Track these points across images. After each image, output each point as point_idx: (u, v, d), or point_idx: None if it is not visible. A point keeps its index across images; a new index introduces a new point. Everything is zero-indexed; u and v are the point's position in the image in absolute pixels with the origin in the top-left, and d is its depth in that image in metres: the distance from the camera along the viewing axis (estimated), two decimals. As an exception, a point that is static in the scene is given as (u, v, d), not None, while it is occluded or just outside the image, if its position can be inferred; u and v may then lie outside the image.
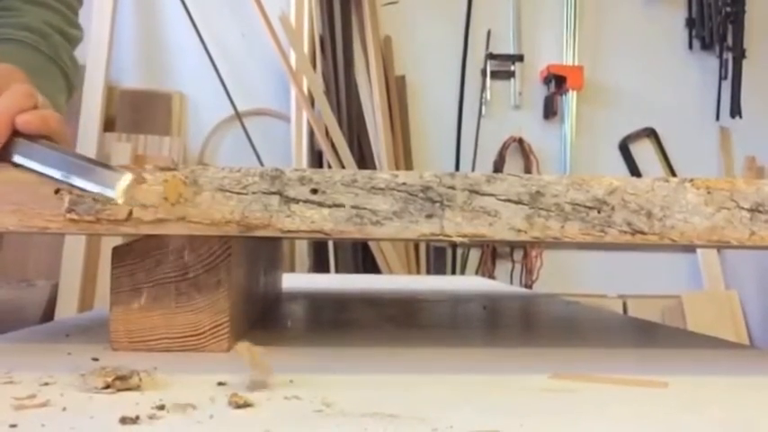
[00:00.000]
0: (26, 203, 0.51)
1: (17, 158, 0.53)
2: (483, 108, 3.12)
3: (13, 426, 0.34)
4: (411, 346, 0.64)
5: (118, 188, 0.50)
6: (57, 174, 0.51)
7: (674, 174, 3.15)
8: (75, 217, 0.51)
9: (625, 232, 0.53)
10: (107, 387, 0.41)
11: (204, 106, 2.99)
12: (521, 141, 3.13)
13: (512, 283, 3.04)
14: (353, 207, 0.52)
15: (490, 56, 3.13)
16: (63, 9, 0.89)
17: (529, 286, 3.03)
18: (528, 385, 0.46)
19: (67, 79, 0.86)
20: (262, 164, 2.71)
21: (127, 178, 0.51)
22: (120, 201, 0.50)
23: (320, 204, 0.52)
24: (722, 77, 3.23)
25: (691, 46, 3.25)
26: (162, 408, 0.37)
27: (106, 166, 0.52)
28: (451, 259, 3.05)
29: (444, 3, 3.15)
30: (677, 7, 3.26)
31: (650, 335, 0.82)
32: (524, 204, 0.53)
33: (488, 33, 3.15)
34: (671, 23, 3.25)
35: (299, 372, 0.46)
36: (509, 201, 0.53)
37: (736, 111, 3.20)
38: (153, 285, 0.54)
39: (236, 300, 0.58)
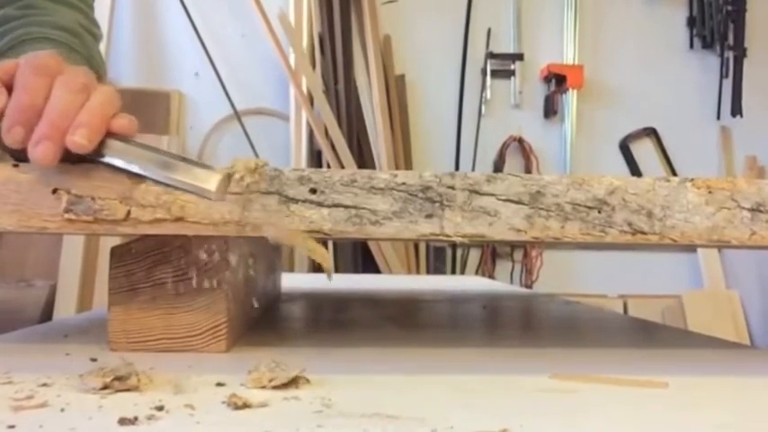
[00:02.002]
0: (24, 203, 0.51)
1: (109, 159, 0.52)
2: (483, 107, 3.12)
3: (12, 426, 0.34)
4: (411, 346, 0.64)
5: (214, 184, 0.51)
6: (155, 173, 0.51)
7: (674, 173, 3.15)
8: (73, 217, 0.51)
9: (625, 232, 0.53)
10: (105, 388, 0.41)
11: (203, 106, 2.99)
12: (521, 141, 3.13)
13: (512, 283, 3.03)
14: (353, 207, 0.52)
15: (490, 55, 3.12)
16: (83, 7, 0.88)
17: (529, 286, 3.03)
18: (528, 385, 0.46)
19: (99, 78, 0.86)
20: (261, 163, 2.69)
21: (219, 175, 0.51)
22: (214, 197, 0.51)
23: (319, 204, 0.52)
24: (723, 76, 3.22)
25: (691, 45, 3.25)
26: (160, 408, 0.37)
27: (199, 163, 0.53)
28: (451, 259, 3.04)
29: (444, 1, 3.15)
30: (678, 6, 3.25)
31: (650, 335, 0.82)
32: (524, 204, 0.53)
33: (488, 32, 3.15)
34: (672, 22, 3.25)
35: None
36: (509, 201, 0.53)
37: (736, 110, 3.20)
38: (151, 286, 0.54)
39: (234, 300, 0.58)
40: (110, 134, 0.53)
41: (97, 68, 0.84)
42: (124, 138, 0.54)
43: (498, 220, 0.53)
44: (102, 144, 0.52)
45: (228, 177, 0.51)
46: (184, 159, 0.53)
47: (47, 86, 0.53)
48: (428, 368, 0.52)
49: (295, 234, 0.51)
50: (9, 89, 0.53)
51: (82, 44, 0.82)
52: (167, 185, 0.51)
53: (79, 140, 0.51)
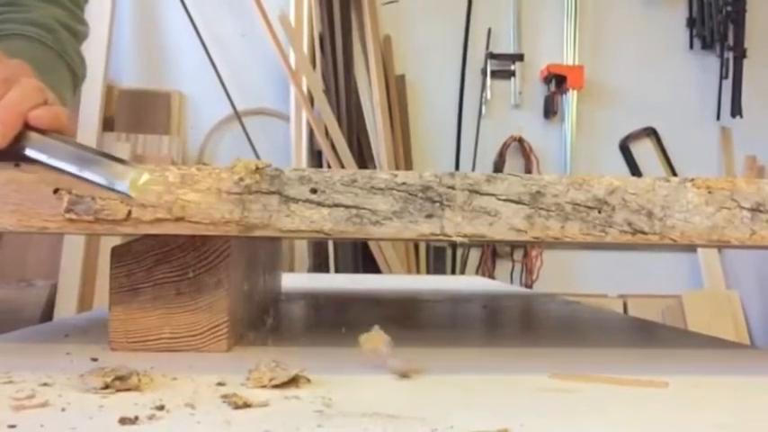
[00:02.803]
0: (25, 203, 0.51)
1: (29, 152, 0.52)
2: (483, 107, 3.12)
3: (12, 426, 0.34)
4: (411, 346, 0.64)
5: (130, 181, 0.50)
6: (69, 167, 0.51)
7: (674, 173, 3.14)
8: (73, 217, 0.51)
9: (625, 232, 0.53)
10: (106, 387, 0.41)
11: (203, 106, 2.99)
12: (521, 141, 3.13)
13: (512, 282, 3.03)
14: (353, 207, 0.52)
15: (490, 55, 3.12)
16: (69, 5, 0.89)
17: (529, 286, 3.03)
18: (528, 385, 0.46)
19: (74, 74, 0.86)
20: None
21: (140, 172, 0.51)
22: (132, 194, 0.50)
23: (320, 204, 0.52)
24: (723, 77, 3.22)
25: (691, 45, 3.25)
26: (161, 408, 0.37)
27: (119, 160, 0.53)
28: (451, 259, 3.04)
29: (444, 2, 3.15)
30: (678, 6, 3.25)
31: (650, 335, 0.82)
32: (524, 204, 0.53)
33: (489, 32, 3.15)
34: (671, 23, 3.25)
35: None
36: (509, 201, 0.53)
37: (736, 110, 3.20)
38: (152, 285, 0.54)
39: (235, 300, 0.58)
40: (30, 128, 0.53)
41: (71, 63, 0.85)
42: (44, 132, 0.54)
43: (498, 220, 0.53)
44: (21, 138, 0.53)
45: (141, 174, 0.51)
46: (104, 154, 0.53)
47: None
48: (428, 368, 0.52)
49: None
50: None
51: (55, 40, 0.83)
52: (82, 180, 0.51)
53: None
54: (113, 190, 0.51)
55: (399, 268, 2.82)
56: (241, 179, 0.51)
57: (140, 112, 2.85)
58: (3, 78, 0.55)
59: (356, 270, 2.81)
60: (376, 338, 0.47)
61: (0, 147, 0.52)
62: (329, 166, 2.77)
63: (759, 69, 3.24)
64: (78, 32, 0.89)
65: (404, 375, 0.47)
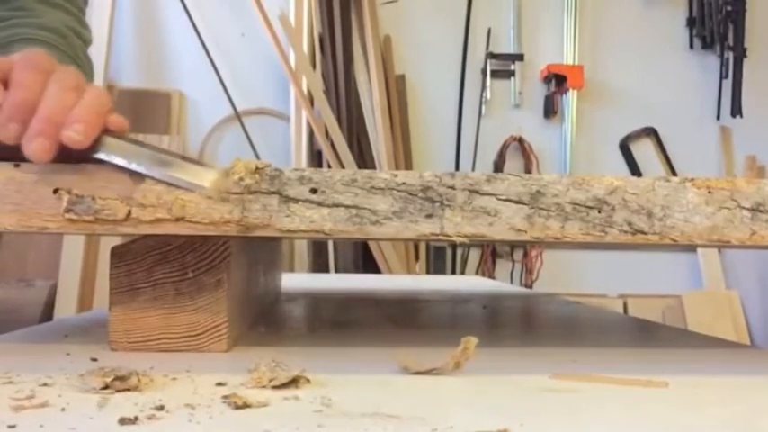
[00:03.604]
0: (25, 203, 0.51)
1: (105, 156, 0.52)
2: (483, 107, 3.12)
3: (12, 426, 0.34)
4: (411, 346, 0.64)
5: (211, 183, 0.51)
6: (150, 170, 0.51)
7: (674, 173, 3.15)
8: (73, 217, 0.51)
9: (625, 232, 0.53)
10: (106, 387, 0.41)
11: (203, 106, 2.99)
12: (521, 141, 3.13)
13: (512, 282, 3.03)
14: (353, 207, 0.52)
15: (490, 55, 3.12)
16: (74, 10, 0.89)
17: (529, 286, 3.03)
18: (528, 385, 0.46)
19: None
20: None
21: (215, 173, 0.51)
22: (211, 194, 0.51)
23: (320, 204, 0.52)
24: (723, 77, 3.23)
25: (691, 45, 3.25)
26: (161, 408, 0.37)
27: (195, 161, 0.53)
28: (451, 259, 3.04)
29: (444, 2, 3.15)
30: (678, 6, 3.26)
31: (650, 335, 0.82)
32: (524, 204, 0.53)
33: (488, 32, 3.15)
34: (671, 22, 3.25)
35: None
36: (509, 200, 0.53)
37: (736, 110, 3.20)
38: (152, 285, 0.54)
39: (235, 300, 0.58)
40: (104, 131, 0.53)
41: (83, 70, 0.85)
42: (119, 135, 0.54)
43: (498, 220, 0.53)
44: (97, 141, 0.53)
45: (225, 175, 0.51)
46: (180, 157, 0.53)
47: (42, 83, 0.53)
48: (418, 365, 0.52)
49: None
50: (4, 86, 0.53)
51: (68, 45, 0.83)
52: (164, 183, 0.51)
53: (74, 136, 0.51)
54: (194, 191, 0.51)
55: (399, 268, 2.82)
56: (241, 179, 0.51)
57: (140, 111, 2.85)
58: (76, 83, 0.55)
59: (356, 270, 2.81)
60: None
61: (83, 146, 0.51)
62: (329, 167, 2.77)
63: (759, 69, 3.24)
64: (85, 38, 0.90)
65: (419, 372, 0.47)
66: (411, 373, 0.48)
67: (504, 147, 3.12)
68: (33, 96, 0.52)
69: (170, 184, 0.51)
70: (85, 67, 0.86)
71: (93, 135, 0.52)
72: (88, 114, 0.52)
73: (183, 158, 0.53)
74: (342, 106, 2.92)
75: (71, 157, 0.52)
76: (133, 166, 0.52)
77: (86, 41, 0.90)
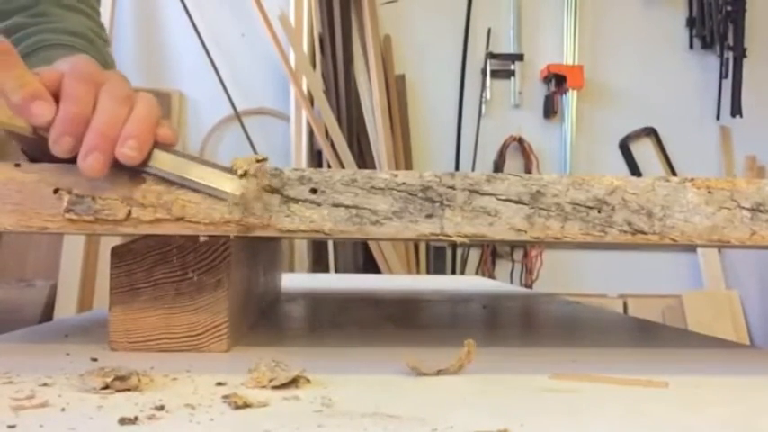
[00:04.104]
0: (25, 203, 0.51)
1: (155, 170, 0.52)
2: (483, 107, 3.12)
3: (12, 426, 0.34)
4: (411, 346, 0.64)
5: (241, 193, 0.51)
6: (203, 187, 0.52)
7: (674, 173, 3.15)
8: (73, 217, 0.51)
9: (625, 232, 0.53)
10: (106, 387, 0.41)
11: (203, 106, 2.99)
12: (521, 141, 3.13)
13: (512, 282, 3.04)
14: (353, 207, 0.52)
15: (490, 55, 3.12)
16: (92, 13, 0.89)
17: (529, 286, 3.03)
18: (528, 385, 0.46)
19: None
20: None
21: (243, 182, 0.52)
22: (241, 202, 0.52)
23: (320, 204, 0.52)
24: (723, 77, 3.23)
25: (691, 45, 3.25)
26: (161, 408, 0.37)
27: (228, 170, 0.53)
28: (451, 259, 3.05)
29: (444, 2, 3.15)
30: (677, 6, 3.26)
31: (650, 334, 0.82)
32: (524, 204, 0.53)
33: (488, 32, 3.15)
34: (671, 22, 3.25)
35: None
36: (509, 200, 0.53)
37: (736, 110, 3.20)
38: (152, 285, 0.54)
39: (235, 300, 0.58)
40: (155, 144, 0.53)
41: None
42: (167, 148, 0.54)
43: (498, 220, 0.53)
44: (149, 154, 0.52)
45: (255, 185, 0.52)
46: (221, 168, 0.53)
47: (93, 95, 0.53)
48: (428, 368, 0.52)
49: None
50: (55, 98, 0.53)
51: (95, 49, 0.83)
52: (213, 197, 0.52)
53: (129, 152, 0.51)
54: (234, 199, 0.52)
55: (399, 268, 2.83)
56: (246, 172, 0.51)
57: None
58: (127, 93, 0.54)
59: (356, 270, 2.81)
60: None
61: (136, 162, 0.51)
62: (329, 166, 2.77)
63: (759, 69, 3.24)
64: (106, 40, 0.90)
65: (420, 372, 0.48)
66: (419, 374, 0.48)
67: (504, 147, 3.12)
68: (86, 109, 0.52)
69: (220, 199, 0.51)
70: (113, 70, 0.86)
71: (147, 150, 0.52)
72: (141, 129, 0.52)
73: (221, 168, 0.53)
74: (342, 106, 2.92)
75: (123, 170, 0.52)
76: (182, 181, 0.52)
77: (108, 43, 0.90)
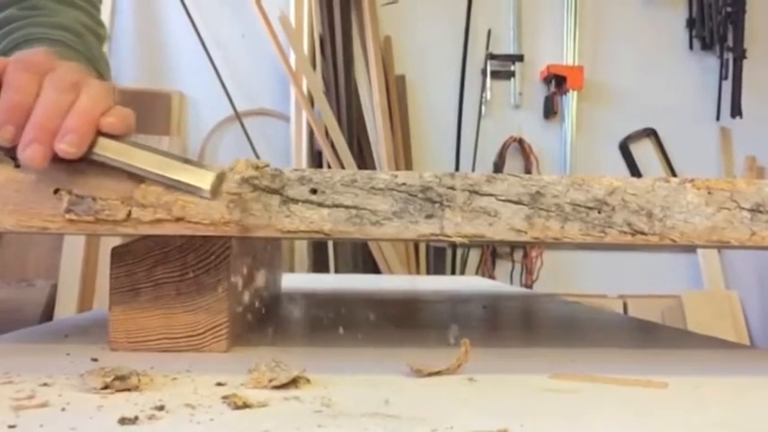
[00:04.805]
0: (25, 204, 0.51)
1: (102, 158, 0.52)
2: (483, 108, 3.12)
3: (12, 426, 0.34)
4: (411, 346, 0.64)
5: (209, 183, 0.51)
6: (149, 172, 0.51)
7: (674, 174, 3.14)
8: (73, 217, 0.51)
9: (625, 233, 0.53)
10: (106, 387, 0.41)
11: (204, 106, 2.99)
12: (521, 141, 3.13)
13: (512, 283, 3.03)
14: (353, 207, 0.52)
15: (490, 56, 3.12)
16: (89, 8, 0.89)
17: (529, 286, 3.03)
18: (528, 385, 0.46)
19: (101, 77, 0.86)
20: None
21: (214, 174, 0.51)
22: (209, 195, 0.51)
23: (320, 205, 0.52)
24: (723, 77, 3.22)
25: (691, 46, 3.25)
26: (161, 408, 0.37)
27: (192, 161, 0.53)
28: (451, 259, 3.04)
29: (444, 2, 3.15)
30: (677, 7, 3.26)
31: (650, 335, 0.82)
32: (524, 205, 0.53)
33: (488, 33, 3.15)
34: (671, 23, 3.25)
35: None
36: (509, 201, 0.53)
37: (736, 111, 3.20)
38: (152, 286, 0.54)
39: (235, 300, 0.58)
40: (102, 133, 0.53)
41: (98, 67, 0.84)
42: (116, 136, 0.53)
43: (498, 221, 0.53)
44: (93, 143, 0.52)
45: (222, 176, 0.51)
46: (181, 158, 0.53)
47: (36, 84, 0.53)
48: (428, 368, 0.52)
49: None
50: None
51: (83, 43, 0.82)
52: (162, 184, 0.51)
53: (66, 148, 0.51)
54: (193, 193, 0.51)
55: (399, 268, 2.82)
56: (243, 179, 0.51)
57: (140, 112, 2.80)
58: (72, 82, 0.54)
59: (356, 270, 2.81)
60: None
61: (75, 156, 0.51)
62: (329, 167, 2.77)
63: (759, 70, 3.24)
64: (101, 36, 0.89)
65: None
66: (422, 375, 0.48)
67: (504, 147, 3.12)
68: (27, 99, 0.52)
69: (171, 186, 0.51)
70: (101, 65, 0.86)
71: (86, 144, 0.52)
72: (81, 122, 0.52)
73: (184, 160, 0.53)
74: (342, 107, 2.92)
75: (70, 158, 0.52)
76: (129, 168, 0.52)
77: (102, 39, 0.90)
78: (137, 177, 0.52)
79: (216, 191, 0.51)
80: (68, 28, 0.82)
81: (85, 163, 0.52)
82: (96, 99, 0.54)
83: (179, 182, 0.51)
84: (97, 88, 0.55)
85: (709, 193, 0.54)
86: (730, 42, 3.22)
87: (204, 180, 0.51)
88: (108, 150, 0.52)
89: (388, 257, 2.81)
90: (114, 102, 0.56)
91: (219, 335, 0.55)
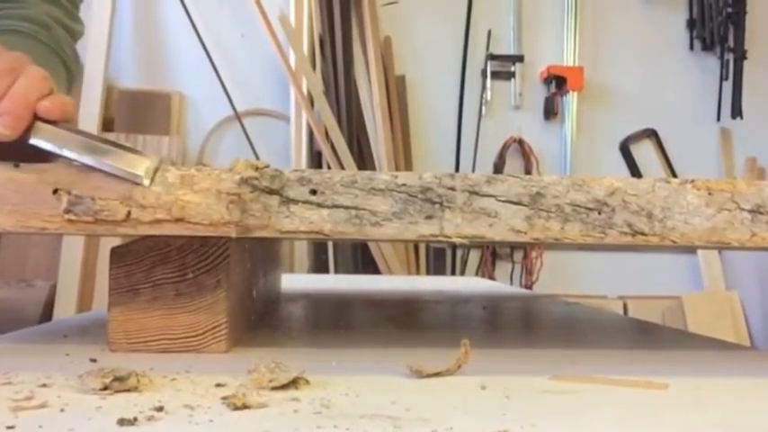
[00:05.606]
0: (24, 204, 0.51)
1: (38, 142, 0.53)
2: (483, 108, 3.12)
3: (11, 427, 0.33)
4: (411, 347, 0.64)
5: (145, 170, 0.51)
6: (83, 157, 0.51)
7: (674, 175, 3.14)
8: (73, 217, 0.51)
9: (626, 233, 0.53)
10: (105, 388, 0.41)
11: (203, 106, 2.99)
12: (521, 142, 3.13)
13: (512, 283, 3.03)
14: (353, 208, 0.52)
15: (490, 56, 3.12)
16: (65, 3, 0.89)
17: (529, 287, 3.03)
18: (528, 386, 0.46)
19: (69, 71, 0.86)
20: (262, 164, 2.69)
21: (149, 161, 0.51)
22: (146, 182, 0.51)
23: (319, 205, 0.52)
24: (723, 78, 3.23)
25: (692, 47, 3.25)
26: (160, 409, 0.37)
27: (130, 149, 0.53)
28: (451, 260, 3.04)
29: (444, 3, 3.15)
30: (678, 8, 3.26)
31: (651, 336, 0.82)
32: (524, 205, 0.53)
33: (489, 34, 3.15)
34: (672, 24, 3.25)
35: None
36: (509, 202, 0.53)
37: (736, 112, 3.20)
38: (151, 286, 0.54)
39: (234, 300, 0.58)
40: (39, 118, 0.53)
41: (66, 60, 0.85)
42: (53, 122, 0.54)
43: (498, 222, 0.53)
44: (29, 128, 0.53)
45: (160, 164, 0.51)
46: (117, 145, 0.53)
47: None
48: (428, 369, 0.52)
49: None
50: None
51: (50, 36, 0.83)
52: (95, 169, 0.51)
53: (1, 130, 0.52)
54: (127, 179, 0.51)
55: (399, 269, 2.82)
56: (242, 179, 0.51)
57: (140, 112, 2.85)
58: (8, 68, 0.55)
59: (356, 271, 2.81)
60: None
61: (10, 138, 0.52)
62: (329, 167, 2.77)
63: (759, 71, 3.24)
64: (74, 30, 0.90)
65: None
66: (421, 376, 0.48)
67: (505, 148, 3.12)
68: None
69: (104, 172, 0.51)
70: (69, 60, 0.86)
71: (22, 127, 0.53)
72: (16, 105, 0.53)
73: (121, 147, 0.53)
74: (342, 107, 2.92)
75: (4, 144, 0.52)
76: (65, 153, 0.52)
77: (75, 34, 0.90)
78: (65, 160, 0.52)
79: (152, 178, 0.51)
80: (36, 20, 0.83)
81: (23, 148, 0.52)
82: (32, 84, 0.55)
83: (114, 167, 0.51)
84: (34, 74, 0.56)
85: (710, 193, 0.54)
86: (731, 43, 3.22)
87: (139, 166, 0.51)
88: (43, 134, 0.53)
89: (387, 258, 2.81)
90: (61, 90, 0.57)
91: (219, 335, 0.55)
